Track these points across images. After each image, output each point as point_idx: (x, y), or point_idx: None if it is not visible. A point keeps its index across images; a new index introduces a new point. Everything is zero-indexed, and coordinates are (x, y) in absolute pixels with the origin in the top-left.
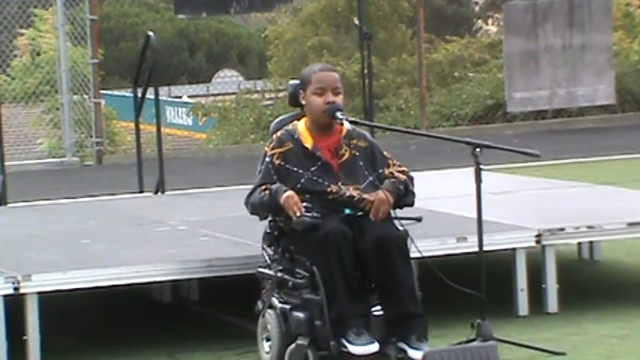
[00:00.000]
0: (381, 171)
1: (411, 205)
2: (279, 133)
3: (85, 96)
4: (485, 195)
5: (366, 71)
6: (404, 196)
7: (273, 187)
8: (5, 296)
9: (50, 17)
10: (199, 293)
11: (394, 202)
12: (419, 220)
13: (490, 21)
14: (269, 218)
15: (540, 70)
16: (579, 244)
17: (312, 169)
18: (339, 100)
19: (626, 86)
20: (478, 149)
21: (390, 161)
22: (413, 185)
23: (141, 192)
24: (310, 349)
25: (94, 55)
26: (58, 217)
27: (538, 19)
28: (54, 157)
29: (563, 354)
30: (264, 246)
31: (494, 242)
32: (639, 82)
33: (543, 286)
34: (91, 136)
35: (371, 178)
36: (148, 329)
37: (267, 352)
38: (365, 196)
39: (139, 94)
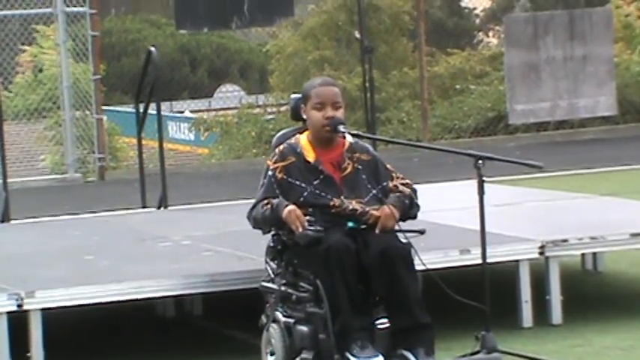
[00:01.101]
0: (385, 184)
1: (415, 217)
2: (281, 147)
3: (87, 112)
4: (488, 207)
5: (367, 85)
6: (409, 209)
7: (274, 201)
8: (9, 313)
9: (52, 34)
10: (203, 308)
11: (400, 216)
12: (422, 232)
13: (491, 33)
14: (272, 232)
15: (542, 81)
16: (583, 255)
17: (315, 182)
18: (339, 114)
19: (627, 97)
20: (480, 161)
21: (394, 174)
22: (417, 197)
23: (144, 207)
24: None
25: (96, 71)
26: (61, 234)
27: (539, 31)
28: (56, 174)
29: None
30: (268, 260)
31: (497, 254)
32: None
33: (547, 297)
34: (94, 152)
35: (374, 192)
36: (152, 344)
37: None
38: (368, 209)
39: (141, 110)
